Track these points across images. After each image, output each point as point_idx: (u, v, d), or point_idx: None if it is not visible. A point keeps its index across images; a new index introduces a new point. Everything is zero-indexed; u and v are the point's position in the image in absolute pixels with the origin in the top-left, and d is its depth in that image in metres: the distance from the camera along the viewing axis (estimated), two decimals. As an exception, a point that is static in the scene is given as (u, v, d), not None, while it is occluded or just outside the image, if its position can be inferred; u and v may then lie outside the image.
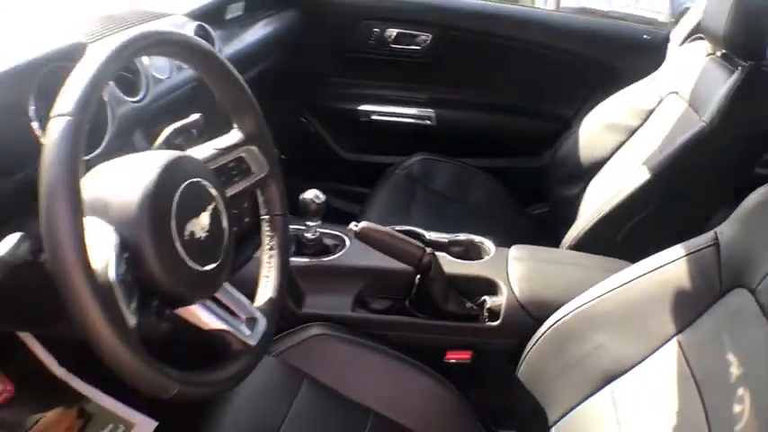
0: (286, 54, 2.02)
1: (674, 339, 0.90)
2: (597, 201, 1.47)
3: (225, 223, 0.79)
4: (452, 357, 1.19)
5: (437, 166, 1.95)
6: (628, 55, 1.97)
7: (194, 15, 1.47)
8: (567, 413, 1.02)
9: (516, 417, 1.17)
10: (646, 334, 0.94)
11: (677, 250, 0.93)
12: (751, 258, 0.84)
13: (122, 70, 1.11)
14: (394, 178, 1.89)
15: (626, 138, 1.56)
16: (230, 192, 0.87)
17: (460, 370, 1.19)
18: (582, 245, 1.41)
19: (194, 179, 0.76)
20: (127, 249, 0.67)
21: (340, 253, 1.27)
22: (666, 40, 1.86)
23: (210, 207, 0.77)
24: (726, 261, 0.88)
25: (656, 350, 0.92)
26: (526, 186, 2.02)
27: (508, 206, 1.93)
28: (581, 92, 1.99)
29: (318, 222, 1.25)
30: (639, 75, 1.66)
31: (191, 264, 0.71)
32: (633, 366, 0.94)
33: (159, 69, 1.24)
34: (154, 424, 1.38)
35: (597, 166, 1.61)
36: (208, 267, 0.74)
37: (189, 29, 1.39)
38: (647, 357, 0.93)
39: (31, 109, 0.89)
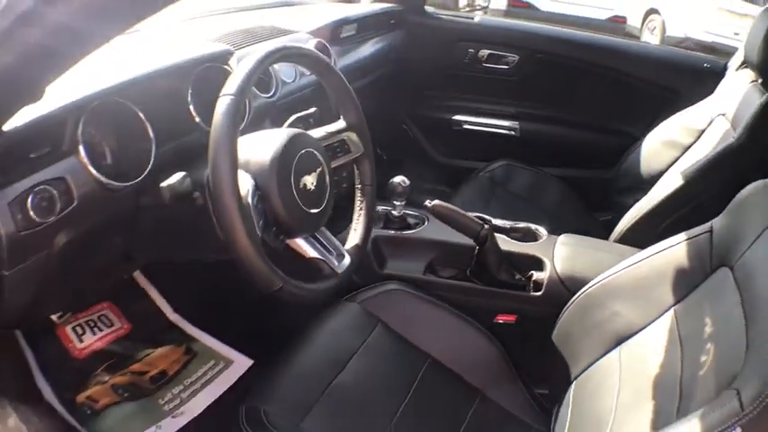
0: (392, 68, 2.32)
1: (672, 309, 1.09)
2: None
3: (328, 183, 1.10)
4: (501, 319, 1.42)
5: (518, 171, 2.17)
6: (690, 80, 2.13)
7: (315, 33, 1.81)
8: (585, 370, 1.21)
9: (549, 376, 1.35)
10: (651, 304, 1.12)
11: (681, 236, 1.12)
12: (734, 242, 1.01)
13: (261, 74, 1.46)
14: (478, 180, 2.13)
15: (680, 154, 1.73)
16: (334, 164, 1.18)
17: (506, 331, 1.41)
18: (626, 237, 1.61)
19: (309, 149, 1.07)
20: (259, 190, 0.99)
21: (419, 229, 1.54)
22: (725, 68, 2.02)
23: (318, 170, 1.08)
24: (716, 245, 1.05)
25: (658, 318, 1.10)
26: (596, 195, 2.20)
27: (577, 211, 2.12)
28: (647, 112, 2.15)
29: (403, 203, 1.54)
30: (698, 98, 1.81)
31: (301, 206, 1.02)
32: (639, 331, 1.13)
33: (287, 75, 1.58)
34: (249, 362, 1.66)
35: (654, 178, 1.78)
36: (313, 211, 1.05)
37: (311, 44, 1.73)
38: (649, 324, 1.11)
39: (189, 94, 1.24)
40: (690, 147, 1.71)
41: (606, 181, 2.18)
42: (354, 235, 1.22)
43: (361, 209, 1.24)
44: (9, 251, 0.94)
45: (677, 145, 1.75)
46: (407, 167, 2.42)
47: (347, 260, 1.15)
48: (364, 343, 1.29)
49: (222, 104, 0.95)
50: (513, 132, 2.40)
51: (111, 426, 1.42)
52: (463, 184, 2.13)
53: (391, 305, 1.39)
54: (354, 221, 1.24)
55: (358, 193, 1.26)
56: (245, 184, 0.98)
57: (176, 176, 1.01)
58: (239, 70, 0.99)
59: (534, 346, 1.36)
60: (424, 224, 1.56)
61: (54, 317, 1.52)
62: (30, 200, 0.94)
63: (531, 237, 1.54)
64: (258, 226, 0.96)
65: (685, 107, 1.83)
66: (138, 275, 1.77)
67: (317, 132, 1.19)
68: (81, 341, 1.58)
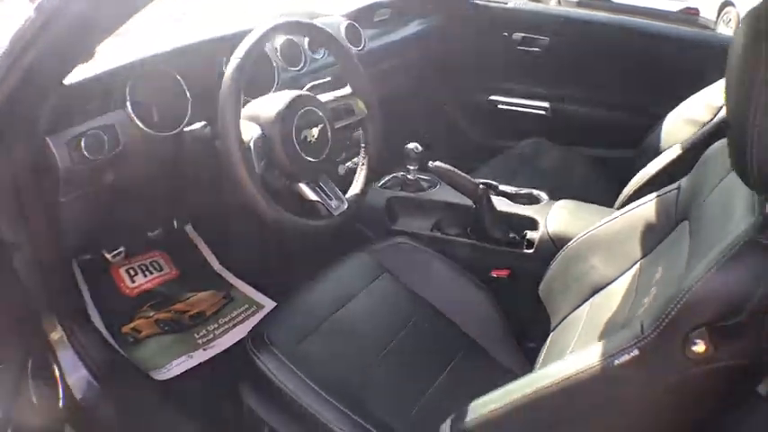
0: (428, 51, 2.44)
1: (639, 263, 1.16)
2: None
3: (329, 138, 1.27)
4: (495, 273, 1.54)
5: (547, 149, 2.25)
6: (716, 60, 2.13)
7: (348, 16, 1.98)
8: (561, 321, 1.29)
9: (537, 329, 1.42)
10: (622, 257, 1.19)
11: (653, 194, 1.19)
12: (695, 197, 1.07)
13: (290, 51, 1.64)
14: (506, 155, 2.23)
15: (698, 130, 1.73)
16: (338, 124, 1.35)
17: (501, 285, 1.53)
18: (626, 204, 1.68)
19: (311, 107, 1.25)
20: (265, 138, 1.16)
21: (429, 191, 1.70)
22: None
23: (320, 126, 1.25)
24: (681, 201, 1.12)
25: (626, 271, 1.18)
26: (624, 174, 2.25)
27: (602, 188, 2.18)
28: (676, 92, 2.17)
29: (416, 167, 1.69)
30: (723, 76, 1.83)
31: (301, 154, 1.20)
32: (610, 283, 1.20)
33: (316, 52, 1.76)
34: (273, 305, 1.84)
35: None
36: (311, 159, 1.22)
37: (342, 26, 1.90)
38: (619, 276, 1.19)
39: (224, 64, 1.44)
40: (707, 123, 1.74)
41: (633, 160, 2.23)
42: (355, 186, 1.39)
43: (363, 164, 1.41)
44: (64, 181, 1.17)
45: (696, 122, 1.76)
46: (446, 145, 2.55)
47: (345, 206, 1.31)
48: (368, 287, 1.43)
49: (230, 65, 1.14)
50: (545, 112, 2.48)
51: (148, 353, 1.64)
52: (492, 159, 2.23)
53: (397, 256, 1.52)
54: (357, 174, 1.40)
55: (362, 152, 1.42)
56: (253, 132, 1.17)
57: (198, 125, 1.21)
58: (247, 40, 1.18)
59: (526, 302, 1.45)
60: (435, 187, 1.71)
61: (108, 256, 1.76)
62: (83, 141, 1.17)
63: (533, 201, 1.66)
64: (259, 165, 1.14)
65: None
66: (189, 230, 2.00)
67: (325, 96, 1.36)
68: (132, 281, 1.81)
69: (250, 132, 1.15)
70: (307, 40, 1.72)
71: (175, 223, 1.93)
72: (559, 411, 0.85)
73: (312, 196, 1.26)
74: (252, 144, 1.14)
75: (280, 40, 1.62)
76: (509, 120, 2.56)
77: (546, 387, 0.83)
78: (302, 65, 1.68)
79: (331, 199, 1.29)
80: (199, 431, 1.39)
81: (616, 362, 0.77)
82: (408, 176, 1.70)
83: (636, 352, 0.76)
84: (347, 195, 1.36)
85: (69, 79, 1.15)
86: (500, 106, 2.56)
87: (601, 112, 2.41)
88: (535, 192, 1.68)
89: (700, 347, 0.71)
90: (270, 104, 1.21)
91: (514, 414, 0.87)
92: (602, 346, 0.80)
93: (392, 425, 1.16)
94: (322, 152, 1.25)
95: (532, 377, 0.87)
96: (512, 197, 1.66)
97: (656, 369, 0.76)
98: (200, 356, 1.65)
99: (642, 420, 0.82)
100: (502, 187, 1.69)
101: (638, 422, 0.82)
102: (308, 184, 1.26)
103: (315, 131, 1.23)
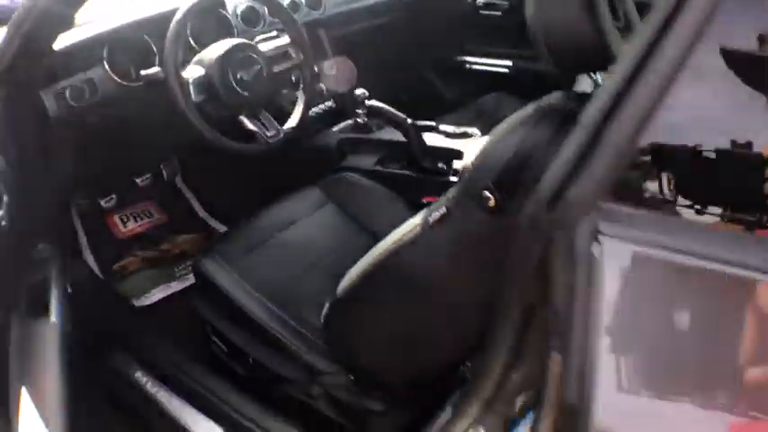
0: (395, 17, 2.62)
1: None
2: None
3: (264, 77, 1.49)
4: (426, 199, 1.73)
5: (507, 103, 2.41)
6: None
7: (311, -16, 2.18)
8: None
9: None
10: None
11: None
12: None
13: (251, 15, 1.85)
14: (468, 108, 2.41)
15: None
16: (277, 68, 1.57)
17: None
18: None
19: (248, 53, 1.47)
20: (206, 75, 1.40)
21: (377, 132, 1.91)
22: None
23: (257, 67, 1.47)
24: None
25: None
26: None
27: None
28: None
29: (365, 111, 1.88)
30: None
31: (237, 89, 1.42)
32: None
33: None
34: None
35: None
36: (247, 94, 1.44)
37: None
38: None
39: (188, 28, 1.66)
40: None
41: None
42: (291, 120, 1.61)
43: (300, 101, 1.63)
44: (54, 124, 1.42)
45: None
46: (420, 104, 2.74)
47: (281, 134, 1.54)
48: (312, 214, 1.63)
49: (175, 17, 1.37)
50: (507, 70, 2.65)
51: (134, 284, 1.91)
52: (455, 113, 2.39)
53: (343, 188, 1.73)
54: (295, 110, 1.62)
55: (300, 92, 1.64)
56: (197, 72, 1.40)
57: (153, 69, 1.44)
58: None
59: None
60: (382, 129, 1.92)
61: (102, 202, 2.03)
62: (67, 91, 1.44)
63: (466, 137, 1.85)
64: (198, 97, 1.39)
65: None
66: (178, 181, 2.26)
67: (266, 45, 1.58)
68: (125, 227, 2.08)
69: (194, 72, 1.39)
70: (266, 9, 1.93)
71: (165, 174, 2.19)
72: (396, 266, 1.02)
73: (251, 126, 1.48)
74: (192, 80, 1.37)
75: (241, 6, 1.84)
76: (477, 77, 2.73)
77: (387, 246, 1.02)
78: (261, 26, 1.90)
79: (268, 130, 1.51)
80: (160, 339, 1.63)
81: (431, 219, 0.93)
82: (359, 120, 1.91)
83: (444, 209, 0.90)
84: (284, 127, 1.58)
85: (58, 45, 1.39)
86: (467, 66, 2.74)
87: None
88: (469, 129, 1.87)
89: (491, 202, 0.83)
90: (213, 50, 1.44)
91: (368, 274, 1.06)
92: (427, 210, 0.96)
93: (319, 326, 1.33)
94: (258, 89, 1.47)
95: (384, 240, 1.05)
96: (449, 134, 1.86)
97: (463, 223, 0.88)
98: (177, 285, 1.91)
99: (459, 274, 0.94)
100: (442, 127, 1.89)
101: (456, 275, 0.94)
102: (248, 116, 1.48)
103: (251, 72, 1.45)
